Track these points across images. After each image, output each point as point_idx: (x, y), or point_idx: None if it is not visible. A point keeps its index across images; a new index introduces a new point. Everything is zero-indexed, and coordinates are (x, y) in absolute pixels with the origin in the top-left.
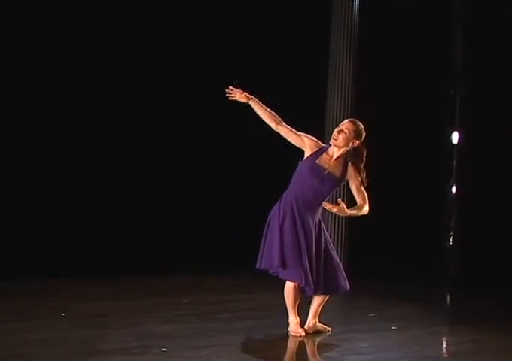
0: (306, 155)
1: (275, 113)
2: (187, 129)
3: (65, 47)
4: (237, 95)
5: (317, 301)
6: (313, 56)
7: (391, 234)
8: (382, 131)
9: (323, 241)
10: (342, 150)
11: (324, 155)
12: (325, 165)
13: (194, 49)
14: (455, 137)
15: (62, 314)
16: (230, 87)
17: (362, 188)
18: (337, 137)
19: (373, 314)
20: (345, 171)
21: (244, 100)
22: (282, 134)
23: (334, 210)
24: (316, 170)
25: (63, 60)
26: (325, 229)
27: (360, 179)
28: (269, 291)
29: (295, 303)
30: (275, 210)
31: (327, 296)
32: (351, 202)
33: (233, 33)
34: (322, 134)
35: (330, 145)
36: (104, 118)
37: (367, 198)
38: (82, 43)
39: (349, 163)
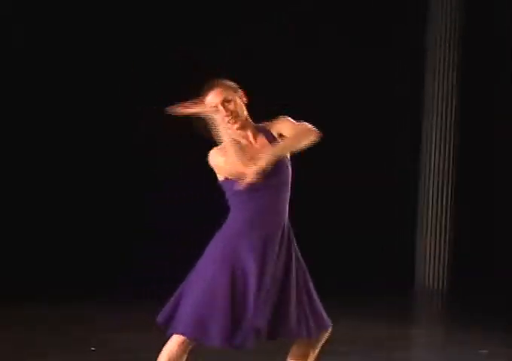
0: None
1: None
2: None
3: (60, 49)
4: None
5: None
6: None
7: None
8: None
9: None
10: (247, 121)
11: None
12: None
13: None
14: None
15: None
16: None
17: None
18: (230, 112)
19: None
20: (271, 136)
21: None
22: None
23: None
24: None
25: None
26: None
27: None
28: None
29: None
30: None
31: None
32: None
33: None
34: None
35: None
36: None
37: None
38: (77, 45)
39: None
